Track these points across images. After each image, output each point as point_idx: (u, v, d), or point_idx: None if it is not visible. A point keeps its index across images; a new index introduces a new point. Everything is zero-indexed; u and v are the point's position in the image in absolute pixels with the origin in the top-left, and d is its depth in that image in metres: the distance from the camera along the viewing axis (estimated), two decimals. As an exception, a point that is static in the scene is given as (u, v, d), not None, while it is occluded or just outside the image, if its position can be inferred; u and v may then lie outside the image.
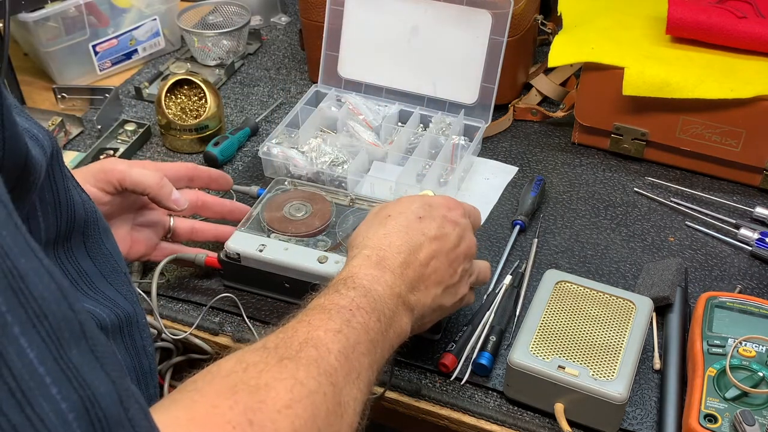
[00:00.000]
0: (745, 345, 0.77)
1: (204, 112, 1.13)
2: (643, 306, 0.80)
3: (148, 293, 0.85)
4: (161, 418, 0.42)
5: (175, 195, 0.85)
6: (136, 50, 1.34)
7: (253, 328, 0.87)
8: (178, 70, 1.30)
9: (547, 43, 1.21)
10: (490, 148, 1.14)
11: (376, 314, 0.62)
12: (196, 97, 1.14)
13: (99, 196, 0.80)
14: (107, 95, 1.22)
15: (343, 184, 1.04)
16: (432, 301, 0.70)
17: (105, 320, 0.57)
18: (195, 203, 0.90)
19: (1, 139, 0.43)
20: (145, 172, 0.82)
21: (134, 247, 0.87)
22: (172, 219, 0.91)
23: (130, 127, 1.17)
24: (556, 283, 0.83)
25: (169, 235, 0.92)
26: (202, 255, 0.89)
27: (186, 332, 0.87)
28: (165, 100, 1.12)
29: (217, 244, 0.93)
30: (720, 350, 0.77)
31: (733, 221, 0.99)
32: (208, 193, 0.96)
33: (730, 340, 0.77)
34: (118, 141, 1.16)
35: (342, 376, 0.55)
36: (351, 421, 0.55)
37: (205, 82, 1.14)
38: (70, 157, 1.13)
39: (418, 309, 0.68)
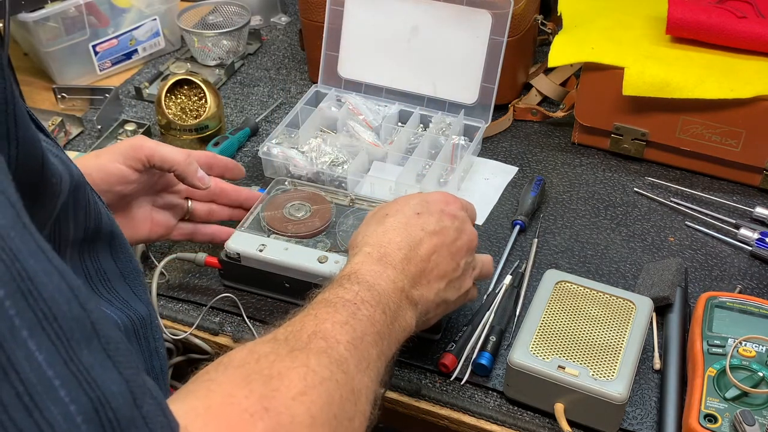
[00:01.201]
0: (745, 345, 0.77)
1: (204, 112, 1.13)
2: (643, 306, 0.80)
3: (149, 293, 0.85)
4: (177, 409, 0.43)
5: (200, 173, 0.86)
6: (136, 50, 1.34)
7: (253, 328, 0.87)
8: (178, 70, 1.30)
9: (547, 43, 1.21)
10: (490, 148, 1.14)
11: (381, 307, 0.62)
12: (196, 97, 1.14)
13: (128, 174, 0.82)
14: (107, 95, 1.22)
15: (343, 184, 1.04)
16: (435, 295, 0.70)
17: (118, 323, 0.57)
18: (213, 190, 0.92)
19: (14, 138, 0.43)
20: (172, 149, 0.84)
21: (154, 229, 0.88)
22: (190, 202, 0.92)
23: (130, 127, 1.17)
24: (556, 283, 0.83)
25: (187, 217, 0.93)
26: (202, 255, 0.89)
27: (186, 332, 0.87)
28: (165, 100, 1.12)
29: (218, 246, 0.93)
30: (720, 350, 0.77)
31: (733, 221, 0.99)
32: None
33: (730, 340, 0.77)
34: (118, 141, 1.16)
35: (353, 364, 0.55)
36: (364, 409, 0.55)
37: (205, 82, 1.14)
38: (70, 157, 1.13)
39: (422, 304, 0.68)
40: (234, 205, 0.95)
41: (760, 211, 0.99)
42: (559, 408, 0.75)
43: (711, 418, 0.71)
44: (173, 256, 0.89)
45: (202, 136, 1.13)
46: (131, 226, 0.86)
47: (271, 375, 0.50)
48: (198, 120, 1.12)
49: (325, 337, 0.56)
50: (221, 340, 0.88)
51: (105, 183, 0.80)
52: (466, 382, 0.81)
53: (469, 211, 0.78)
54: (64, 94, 1.25)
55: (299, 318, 0.59)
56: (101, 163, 0.81)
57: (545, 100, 1.23)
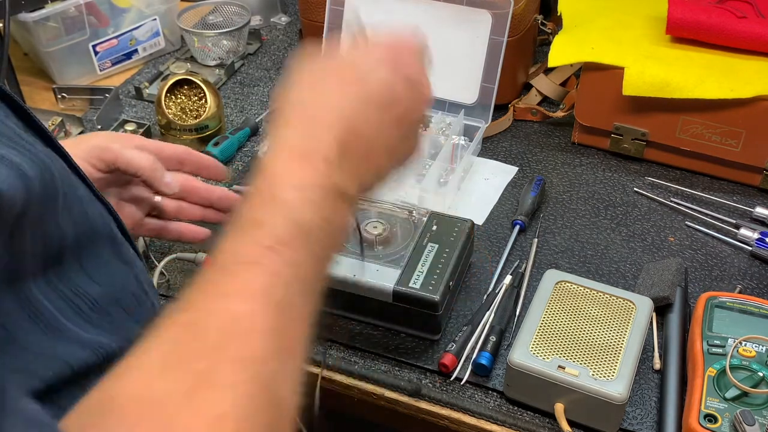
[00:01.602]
0: (745, 345, 0.77)
1: (204, 112, 1.13)
2: (643, 306, 0.80)
3: (148, 293, 0.85)
4: None
5: (167, 178, 0.81)
6: (136, 50, 1.34)
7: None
8: (178, 70, 1.30)
9: (547, 43, 1.21)
10: (490, 148, 1.14)
11: (310, 245, 0.50)
12: (196, 97, 1.14)
13: (90, 172, 0.77)
14: (107, 95, 1.22)
15: (343, 184, 1.04)
16: (377, 174, 0.60)
17: (114, 349, 0.51)
18: (183, 187, 0.84)
19: None
20: (137, 154, 0.79)
21: None
22: (158, 197, 0.86)
23: (130, 127, 1.17)
24: (556, 283, 0.83)
25: (155, 213, 0.87)
26: (202, 255, 0.89)
27: (186, 332, 0.86)
28: (165, 100, 1.12)
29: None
30: (720, 350, 0.77)
31: (733, 221, 0.99)
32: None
33: (730, 340, 0.77)
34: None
35: (274, 355, 0.44)
36: (293, 403, 0.45)
37: (205, 82, 1.14)
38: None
39: (359, 191, 0.58)
40: (205, 204, 0.87)
41: (760, 211, 0.99)
42: (559, 408, 0.75)
43: (711, 418, 0.71)
44: (173, 256, 0.89)
45: (202, 136, 1.13)
46: None
47: (171, 422, 0.39)
48: (198, 120, 1.12)
49: (237, 333, 0.44)
50: (221, 340, 0.87)
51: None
52: (466, 382, 0.81)
53: (423, 57, 0.65)
54: (64, 94, 1.25)
55: (202, 300, 0.47)
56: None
57: (545, 100, 1.23)
